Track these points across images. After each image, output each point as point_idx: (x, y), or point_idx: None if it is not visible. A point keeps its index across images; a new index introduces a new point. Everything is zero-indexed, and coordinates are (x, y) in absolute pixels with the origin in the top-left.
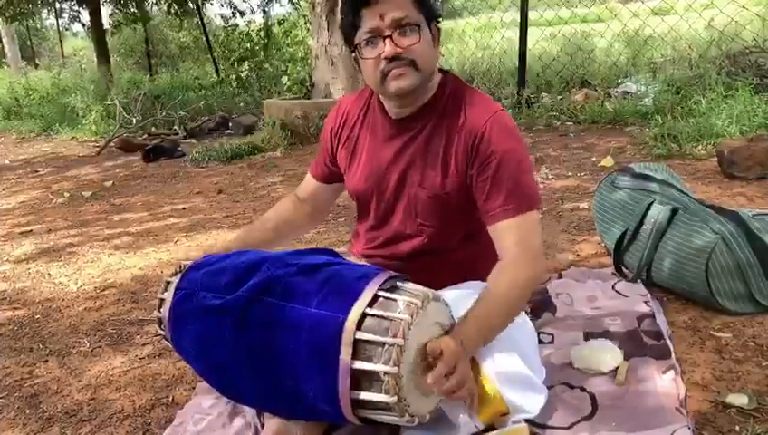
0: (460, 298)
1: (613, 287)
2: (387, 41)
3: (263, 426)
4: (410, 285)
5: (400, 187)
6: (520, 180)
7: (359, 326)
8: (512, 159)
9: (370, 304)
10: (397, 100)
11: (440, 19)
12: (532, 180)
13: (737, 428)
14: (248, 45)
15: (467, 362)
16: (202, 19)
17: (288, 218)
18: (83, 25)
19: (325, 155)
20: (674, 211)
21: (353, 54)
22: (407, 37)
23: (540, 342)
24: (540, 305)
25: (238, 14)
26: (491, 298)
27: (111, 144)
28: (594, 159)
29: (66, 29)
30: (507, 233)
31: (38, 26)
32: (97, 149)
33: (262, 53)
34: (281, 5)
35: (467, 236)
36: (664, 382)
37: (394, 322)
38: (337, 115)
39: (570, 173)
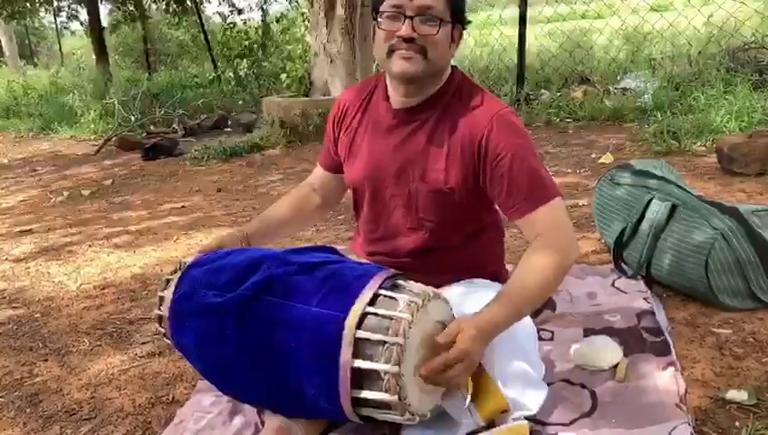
0: (462, 296)
1: (613, 284)
2: (406, 21)
3: (263, 424)
4: (411, 284)
5: (401, 179)
6: (535, 172)
7: (359, 325)
8: (523, 153)
9: (371, 303)
10: (399, 83)
11: (466, 25)
12: (546, 170)
13: (737, 424)
14: (246, 43)
15: (472, 361)
16: (200, 17)
17: (301, 204)
18: (82, 24)
19: (329, 144)
20: (673, 208)
21: (374, 23)
22: (426, 25)
23: (540, 339)
24: None
25: (236, 11)
26: (522, 281)
27: (110, 143)
28: (594, 155)
29: (65, 27)
30: (535, 224)
31: (36, 25)
32: (96, 147)
33: (260, 50)
34: (279, 3)
35: (470, 235)
36: (664, 379)
37: (395, 320)
38: (339, 104)
39: (569, 170)
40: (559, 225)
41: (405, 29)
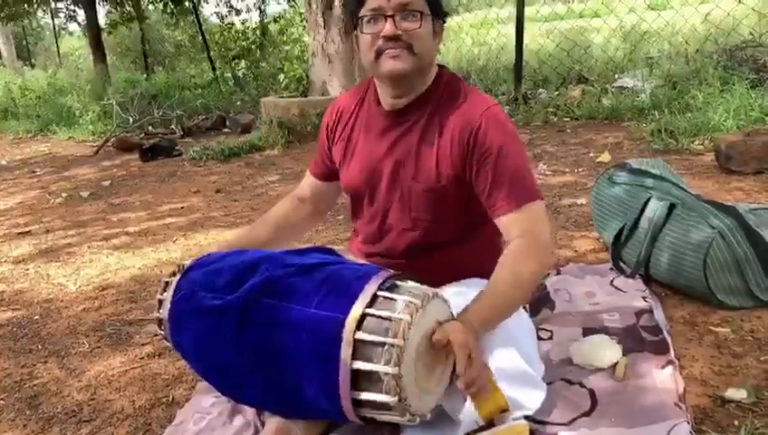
0: (460, 296)
1: (611, 283)
2: (388, 20)
3: (263, 425)
4: (410, 284)
5: (394, 180)
6: (520, 172)
7: (358, 326)
8: (510, 152)
9: (370, 304)
10: (389, 83)
11: (446, 18)
12: (531, 172)
13: (736, 422)
14: (244, 44)
15: (477, 347)
16: (198, 17)
17: (288, 218)
18: (79, 25)
19: (322, 152)
20: (671, 206)
21: (354, 32)
22: (408, 21)
23: (538, 338)
24: (538, 302)
25: (234, 12)
26: (498, 286)
27: (109, 144)
28: (591, 154)
29: (62, 28)
30: (514, 224)
31: (33, 26)
32: (94, 148)
33: (258, 51)
34: (278, 3)
35: (465, 232)
36: (663, 377)
37: (394, 322)
38: (332, 111)
39: (567, 169)
40: (537, 229)
41: (388, 27)
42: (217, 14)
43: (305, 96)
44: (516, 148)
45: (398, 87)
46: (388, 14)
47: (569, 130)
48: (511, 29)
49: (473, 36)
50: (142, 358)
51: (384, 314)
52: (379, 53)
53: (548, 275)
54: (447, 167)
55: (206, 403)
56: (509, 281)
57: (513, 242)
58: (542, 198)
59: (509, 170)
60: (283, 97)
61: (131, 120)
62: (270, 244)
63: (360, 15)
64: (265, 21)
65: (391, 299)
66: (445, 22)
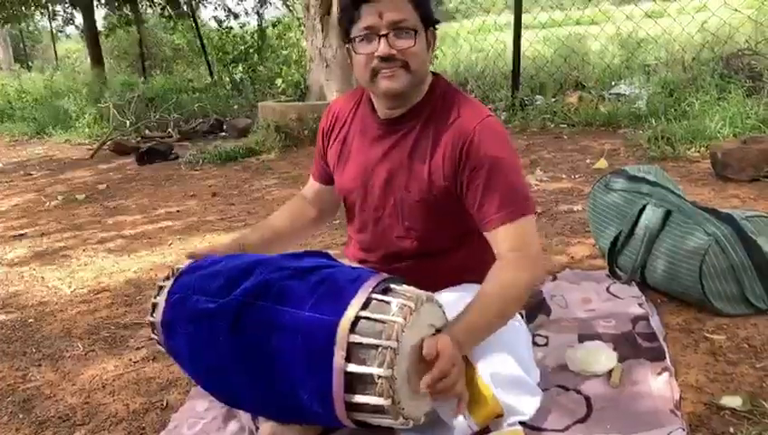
0: (455, 301)
1: (607, 289)
2: (382, 40)
3: (257, 429)
4: (404, 288)
5: (387, 189)
6: (512, 186)
7: (352, 329)
8: (503, 164)
9: (364, 307)
10: (386, 99)
11: (437, 27)
12: (524, 185)
13: (731, 429)
14: (242, 48)
15: (462, 363)
16: (196, 21)
17: (293, 220)
18: (77, 28)
19: (320, 155)
20: (667, 213)
21: (346, 47)
22: (402, 39)
23: (534, 344)
24: (534, 308)
25: (232, 16)
26: (487, 299)
27: (105, 147)
28: (588, 161)
29: (60, 31)
30: (504, 238)
31: (31, 29)
32: (90, 151)
33: (256, 55)
34: (276, 8)
35: (459, 239)
36: (658, 384)
37: (387, 324)
38: (328, 115)
39: (564, 175)
40: (527, 244)
41: (383, 48)
42: (215, 18)
43: (303, 100)
44: (510, 161)
45: (395, 102)
46: (382, 33)
47: (566, 137)
48: (508, 36)
49: (470, 43)
50: (137, 362)
51: (378, 316)
52: (374, 73)
53: (543, 281)
54: (440, 178)
55: (200, 408)
56: (498, 298)
57: (502, 258)
58: (535, 212)
59: (501, 184)
60: (280, 101)
61: (128, 123)
62: (273, 245)
63: (352, 36)
64: (263, 25)
65: (385, 302)
66: (437, 29)
